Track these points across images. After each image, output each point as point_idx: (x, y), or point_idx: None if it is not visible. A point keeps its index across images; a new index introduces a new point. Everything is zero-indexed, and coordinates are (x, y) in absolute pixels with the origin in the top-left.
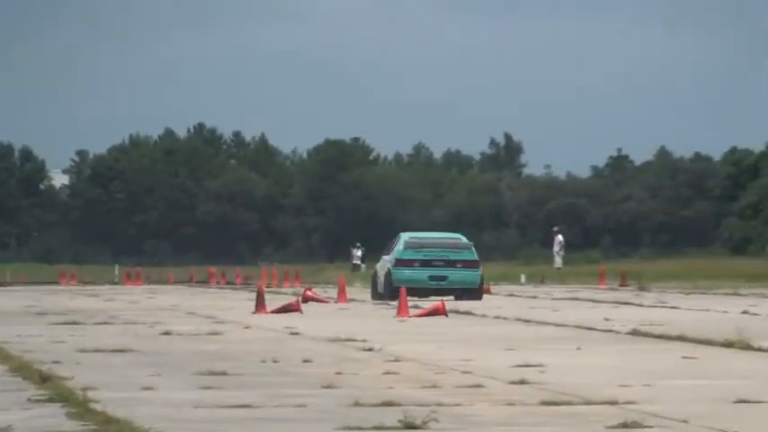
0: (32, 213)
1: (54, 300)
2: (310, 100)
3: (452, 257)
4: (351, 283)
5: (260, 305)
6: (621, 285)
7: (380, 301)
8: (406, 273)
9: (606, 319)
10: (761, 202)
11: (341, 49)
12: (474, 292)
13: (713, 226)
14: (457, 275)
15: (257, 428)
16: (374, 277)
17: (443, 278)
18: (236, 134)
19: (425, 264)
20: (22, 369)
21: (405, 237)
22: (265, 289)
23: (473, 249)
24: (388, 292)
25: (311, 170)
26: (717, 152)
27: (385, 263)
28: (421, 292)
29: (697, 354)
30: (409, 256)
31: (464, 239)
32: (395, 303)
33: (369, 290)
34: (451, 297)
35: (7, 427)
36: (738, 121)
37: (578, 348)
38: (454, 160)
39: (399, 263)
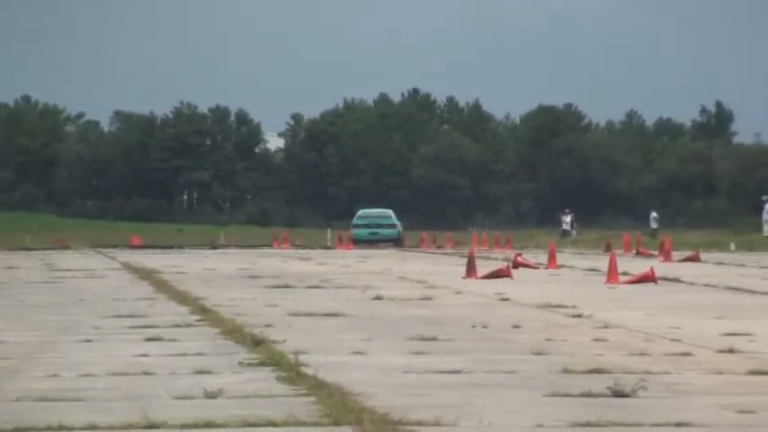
0: (247, 176)
1: (267, 263)
2: (524, 66)
3: None
4: (560, 249)
5: (471, 270)
6: None
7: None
8: None
9: None
10: None
11: (556, 18)
12: None
13: None
14: None
15: (468, 394)
16: None
17: None
18: (450, 99)
19: None
20: (235, 332)
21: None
22: (476, 254)
23: None
24: None
25: (524, 136)
26: None
27: None
28: None
29: None
30: None
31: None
32: (604, 270)
33: (579, 255)
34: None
35: (219, 391)
36: None
37: None
38: (665, 128)
39: None
